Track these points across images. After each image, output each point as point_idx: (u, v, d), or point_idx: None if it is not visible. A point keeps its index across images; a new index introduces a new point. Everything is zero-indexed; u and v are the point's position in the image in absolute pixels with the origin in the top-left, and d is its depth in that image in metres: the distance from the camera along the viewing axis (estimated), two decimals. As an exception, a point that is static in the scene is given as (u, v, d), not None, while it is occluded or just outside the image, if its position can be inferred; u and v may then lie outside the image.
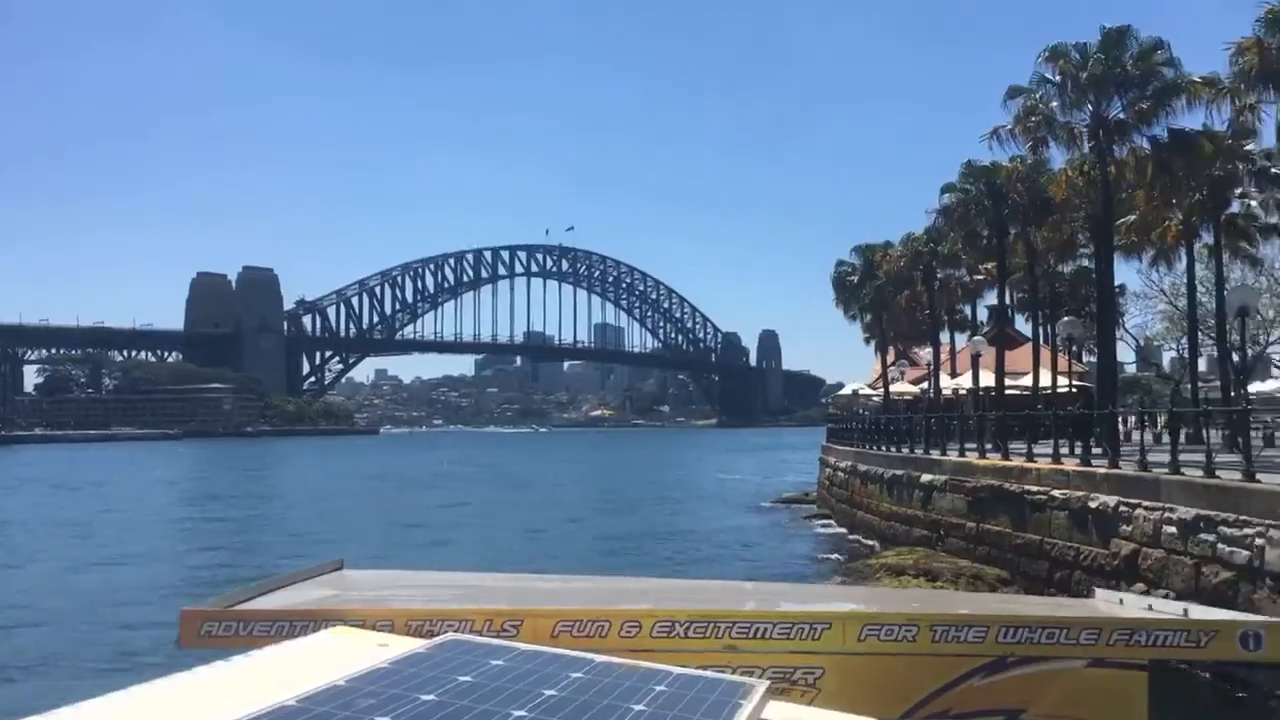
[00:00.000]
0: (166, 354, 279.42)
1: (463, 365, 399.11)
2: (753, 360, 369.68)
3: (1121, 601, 4.04)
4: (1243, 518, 13.94)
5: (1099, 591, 4.52)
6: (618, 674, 2.43)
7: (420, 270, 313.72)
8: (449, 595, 4.20)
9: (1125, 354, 56.40)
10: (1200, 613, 3.80)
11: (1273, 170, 31.84)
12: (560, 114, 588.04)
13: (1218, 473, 15.58)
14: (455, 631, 3.15)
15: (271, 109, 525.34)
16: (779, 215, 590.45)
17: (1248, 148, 30.25)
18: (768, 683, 2.55)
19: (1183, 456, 17.33)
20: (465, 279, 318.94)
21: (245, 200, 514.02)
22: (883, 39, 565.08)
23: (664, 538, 33.59)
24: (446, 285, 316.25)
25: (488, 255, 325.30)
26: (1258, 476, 14.57)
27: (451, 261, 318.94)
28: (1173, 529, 15.60)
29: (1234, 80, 22.28)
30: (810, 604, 3.91)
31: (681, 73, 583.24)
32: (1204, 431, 21.88)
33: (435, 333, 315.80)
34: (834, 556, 27.04)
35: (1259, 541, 13.38)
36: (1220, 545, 14.31)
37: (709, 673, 2.59)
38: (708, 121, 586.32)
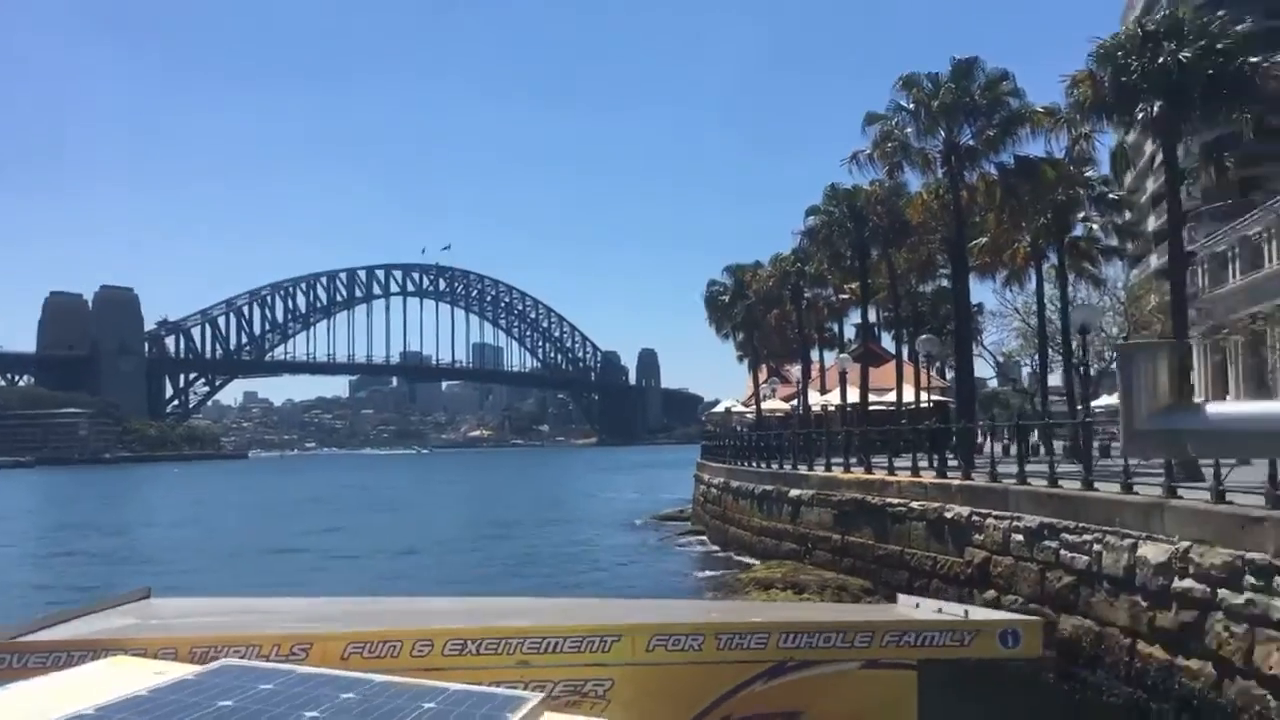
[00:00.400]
0: (17, 377, 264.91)
1: (336, 386, 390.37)
2: (632, 379, 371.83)
3: (918, 605, 4.23)
4: (1082, 525, 14.64)
5: (900, 597, 4.72)
6: (390, 694, 2.39)
7: (291, 289, 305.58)
8: (245, 621, 4.08)
9: (986, 370, 58.87)
10: (978, 614, 4.00)
11: (1110, 196, 33.82)
12: (438, 133, 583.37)
13: (1060, 482, 16.34)
14: (241, 657, 3.07)
15: (133, 125, 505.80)
16: (657, 235, 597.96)
17: (1087, 174, 32.00)
18: (542, 695, 2.56)
19: (1030, 467, 18.15)
20: (339, 298, 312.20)
21: (104, 218, 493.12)
22: (756, 64, 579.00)
23: (539, 559, 33.38)
24: (319, 305, 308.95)
25: (362, 274, 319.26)
26: (1096, 485, 15.33)
27: (324, 280, 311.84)
28: (1020, 537, 16.26)
29: (1070, 110, 23.55)
30: (603, 617, 3.95)
31: (557, 95, 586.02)
32: (1050, 443, 23.04)
33: (308, 353, 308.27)
34: (706, 573, 27.28)
35: (1096, 547, 14.05)
36: (1063, 551, 14.98)
37: (486, 688, 2.59)
38: (590, 141, 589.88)
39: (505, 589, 23.85)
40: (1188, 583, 11.84)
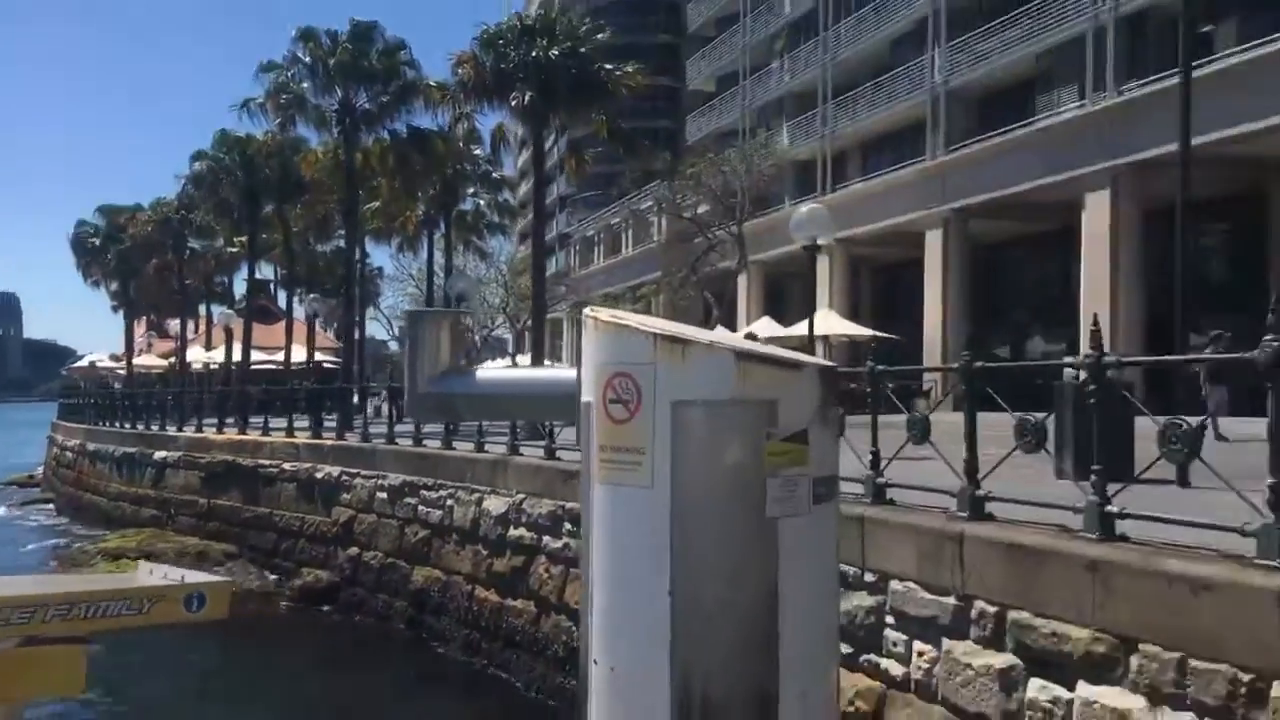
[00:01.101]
0: None
1: None
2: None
3: (151, 572, 4.07)
4: (439, 481, 15.51)
5: (141, 564, 4.53)
6: None
7: None
8: None
9: (385, 332, 60.24)
10: (194, 578, 3.93)
11: (493, 175, 36.32)
12: None
13: (424, 442, 17.13)
14: None
15: None
16: (17, 165, 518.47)
17: (476, 152, 33.99)
18: None
19: (401, 428, 18.79)
20: None
21: None
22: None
23: None
24: None
25: None
26: (454, 445, 16.31)
27: None
28: (384, 495, 16.84)
29: (456, 89, 24.70)
30: None
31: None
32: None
33: None
34: (47, 544, 24.36)
35: (449, 502, 15.01)
36: (420, 507, 15.78)
37: None
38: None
39: None
40: (520, 531, 13.09)
